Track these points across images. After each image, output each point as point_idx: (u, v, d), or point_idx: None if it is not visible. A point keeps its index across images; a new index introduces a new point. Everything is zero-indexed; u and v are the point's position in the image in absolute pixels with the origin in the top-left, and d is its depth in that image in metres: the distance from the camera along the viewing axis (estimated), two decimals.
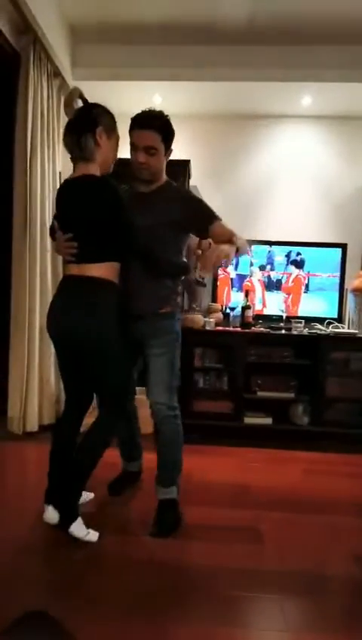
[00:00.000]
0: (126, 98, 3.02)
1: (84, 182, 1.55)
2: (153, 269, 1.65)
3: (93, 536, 1.55)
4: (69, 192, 1.59)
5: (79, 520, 1.54)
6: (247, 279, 3.19)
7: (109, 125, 1.59)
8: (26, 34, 2.50)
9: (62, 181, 1.72)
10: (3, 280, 2.83)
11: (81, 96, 1.60)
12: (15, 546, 1.53)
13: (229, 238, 1.57)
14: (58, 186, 1.79)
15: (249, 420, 2.90)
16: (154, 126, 1.61)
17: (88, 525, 1.57)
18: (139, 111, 1.66)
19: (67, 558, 1.49)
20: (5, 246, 2.73)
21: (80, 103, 1.56)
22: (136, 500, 1.94)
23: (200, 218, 1.69)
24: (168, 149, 1.71)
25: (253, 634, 1.20)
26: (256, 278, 3.19)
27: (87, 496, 1.78)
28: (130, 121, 1.66)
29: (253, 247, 3.19)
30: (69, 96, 1.57)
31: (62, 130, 2.84)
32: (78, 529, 1.53)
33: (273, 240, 3.22)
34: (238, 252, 1.58)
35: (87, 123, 1.54)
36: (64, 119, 2.87)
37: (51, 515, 1.60)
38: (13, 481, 2.16)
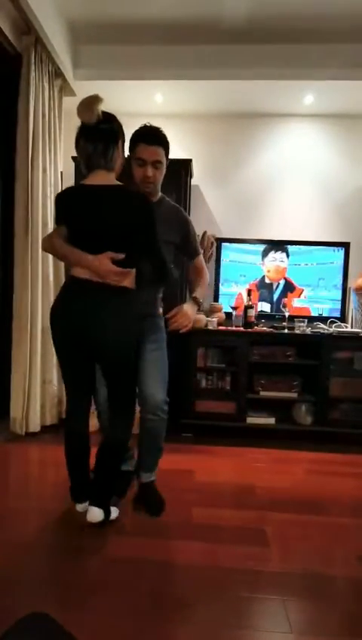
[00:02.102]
0: (127, 98, 3.03)
1: (120, 191, 1.55)
2: (164, 278, 1.72)
3: (115, 512, 1.72)
4: (99, 200, 1.53)
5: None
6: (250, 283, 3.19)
7: (123, 140, 1.63)
8: (28, 34, 2.51)
9: (78, 187, 1.61)
10: (5, 281, 2.83)
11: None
12: (20, 547, 1.53)
13: (202, 276, 1.93)
14: (62, 188, 1.74)
15: (252, 419, 2.88)
16: (160, 141, 1.71)
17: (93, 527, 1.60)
18: (140, 125, 1.74)
19: (74, 558, 1.48)
20: (7, 246, 2.74)
21: (99, 111, 1.51)
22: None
23: (193, 247, 1.92)
24: (167, 163, 1.78)
25: (258, 636, 1.19)
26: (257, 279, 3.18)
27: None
28: (132, 135, 1.71)
29: (256, 246, 3.19)
30: (93, 102, 1.51)
31: (62, 131, 2.89)
32: (114, 513, 1.71)
33: (275, 239, 3.21)
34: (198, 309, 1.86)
35: (115, 134, 1.56)
36: (66, 120, 2.92)
37: (96, 513, 1.61)
38: (16, 482, 2.16)
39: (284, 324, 2.98)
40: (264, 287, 3.20)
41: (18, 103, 2.56)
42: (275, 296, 3.21)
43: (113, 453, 1.66)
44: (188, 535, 1.66)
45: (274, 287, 3.21)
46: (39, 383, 2.72)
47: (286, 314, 3.01)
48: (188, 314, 1.74)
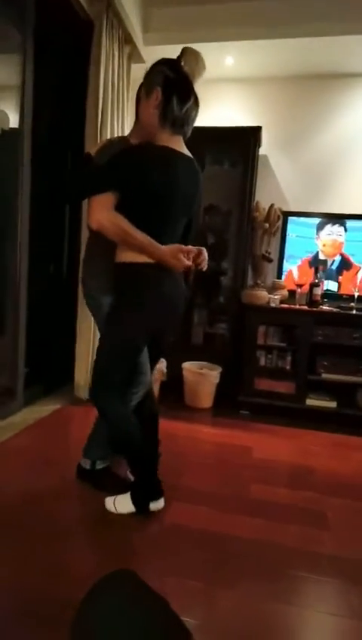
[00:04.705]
0: None
1: (193, 162, 1.49)
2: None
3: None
4: (178, 166, 1.41)
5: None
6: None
7: None
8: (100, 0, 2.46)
9: (158, 147, 1.40)
10: (72, 255, 2.92)
11: None
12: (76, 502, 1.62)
13: None
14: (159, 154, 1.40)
15: (311, 401, 2.80)
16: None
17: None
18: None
19: (136, 522, 1.53)
20: (74, 217, 2.81)
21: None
22: (182, 468, 1.96)
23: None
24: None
25: (308, 614, 1.18)
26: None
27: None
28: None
29: (323, 221, 3.00)
30: (202, 62, 1.40)
31: (130, 100, 2.85)
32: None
33: (348, 213, 2.99)
34: None
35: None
36: (133, 88, 2.86)
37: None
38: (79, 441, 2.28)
39: (352, 304, 2.81)
40: (317, 264, 2.97)
41: (88, 71, 2.55)
42: (330, 273, 2.99)
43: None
44: (245, 510, 1.66)
45: (329, 263, 3.01)
46: None
47: (356, 294, 2.83)
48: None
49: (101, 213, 1.38)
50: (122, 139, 1.60)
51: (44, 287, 2.77)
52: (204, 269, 1.56)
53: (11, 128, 2.18)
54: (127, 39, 2.74)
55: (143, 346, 1.56)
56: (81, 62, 2.60)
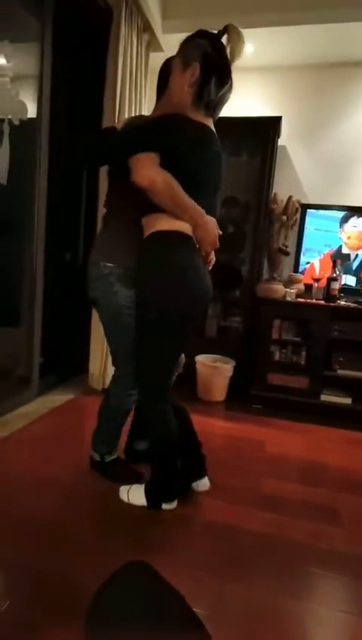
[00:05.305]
0: None
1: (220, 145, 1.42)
2: None
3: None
4: (219, 155, 1.38)
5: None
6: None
7: None
8: None
9: (199, 124, 1.32)
10: (88, 240, 2.92)
11: None
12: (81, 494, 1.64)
13: None
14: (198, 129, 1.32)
15: (326, 397, 2.76)
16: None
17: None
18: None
19: (144, 513, 1.55)
20: (91, 206, 2.81)
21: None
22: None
23: None
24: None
25: (318, 610, 1.17)
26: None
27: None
28: None
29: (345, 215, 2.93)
30: (243, 42, 1.31)
31: (149, 88, 2.82)
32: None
33: None
34: None
35: None
36: (151, 77, 2.83)
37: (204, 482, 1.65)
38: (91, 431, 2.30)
39: None
40: (340, 259, 2.91)
41: (107, 59, 2.52)
42: (353, 268, 2.94)
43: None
44: (258, 504, 1.66)
45: (353, 257, 2.95)
46: None
47: None
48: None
49: (151, 169, 1.24)
50: (142, 117, 1.52)
51: (59, 275, 2.79)
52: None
53: (29, 118, 2.18)
54: (145, 27, 2.70)
55: (186, 336, 1.45)
56: (99, 50, 2.58)
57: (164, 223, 1.31)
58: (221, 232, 1.41)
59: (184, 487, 1.63)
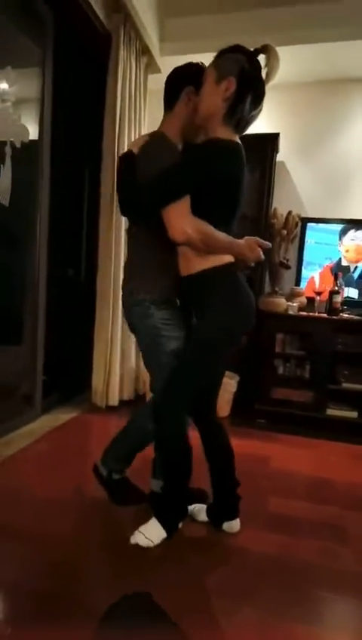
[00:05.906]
0: None
1: None
2: None
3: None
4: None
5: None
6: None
7: None
8: (118, 12, 2.50)
9: (238, 146, 1.34)
10: (90, 260, 2.95)
11: None
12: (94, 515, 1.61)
13: None
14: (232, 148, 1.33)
15: (332, 411, 2.73)
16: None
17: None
18: None
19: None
20: (92, 225, 2.84)
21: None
22: (198, 477, 1.93)
23: None
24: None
25: (327, 635, 1.14)
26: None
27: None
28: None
29: (343, 228, 2.94)
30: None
31: (147, 110, 2.87)
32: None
33: None
34: None
35: None
36: (150, 99, 2.88)
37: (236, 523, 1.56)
38: (95, 449, 2.29)
39: None
40: (340, 271, 2.90)
41: (106, 82, 2.58)
42: (354, 280, 2.93)
43: None
44: (265, 523, 1.63)
45: (352, 269, 2.95)
46: (119, 357, 2.82)
47: None
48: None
49: (184, 221, 1.26)
50: (158, 134, 1.42)
51: (61, 292, 2.81)
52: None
53: (31, 141, 2.22)
54: (144, 50, 2.77)
55: (227, 357, 1.56)
56: (99, 74, 2.64)
57: (215, 259, 1.34)
58: (269, 244, 1.39)
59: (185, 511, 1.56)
